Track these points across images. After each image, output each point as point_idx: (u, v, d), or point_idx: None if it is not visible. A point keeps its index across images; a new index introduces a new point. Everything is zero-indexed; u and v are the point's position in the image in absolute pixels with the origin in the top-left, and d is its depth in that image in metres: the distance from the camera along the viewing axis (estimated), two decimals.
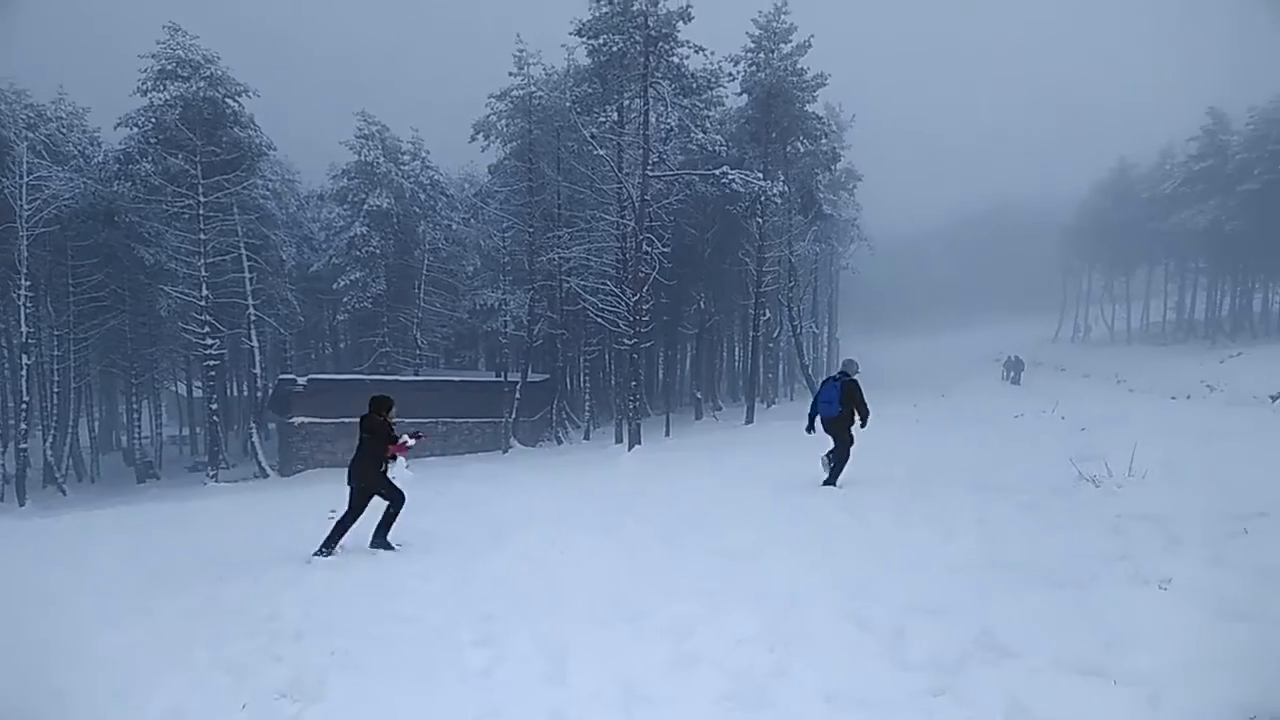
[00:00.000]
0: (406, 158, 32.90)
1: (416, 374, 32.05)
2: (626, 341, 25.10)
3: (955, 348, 63.32)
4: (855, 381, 9.90)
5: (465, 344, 41.13)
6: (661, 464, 16.13)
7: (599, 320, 26.87)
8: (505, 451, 29.06)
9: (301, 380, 27.94)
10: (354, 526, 7.92)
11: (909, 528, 7.21)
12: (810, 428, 10.14)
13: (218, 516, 14.32)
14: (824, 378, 10.78)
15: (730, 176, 25.39)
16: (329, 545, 7.71)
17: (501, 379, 31.29)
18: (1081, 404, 19.92)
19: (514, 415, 30.23)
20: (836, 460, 9.87)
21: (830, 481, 9.82)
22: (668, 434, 28.81)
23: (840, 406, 9.76)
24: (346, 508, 7.90)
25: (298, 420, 27.52)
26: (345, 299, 31.33)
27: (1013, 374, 34.25)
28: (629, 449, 22.60)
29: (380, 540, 7.92)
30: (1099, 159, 62.61)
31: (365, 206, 30.65)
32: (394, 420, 8.31)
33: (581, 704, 3.81)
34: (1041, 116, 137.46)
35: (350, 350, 39.64)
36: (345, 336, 40.82)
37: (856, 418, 9.81)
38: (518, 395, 30.46)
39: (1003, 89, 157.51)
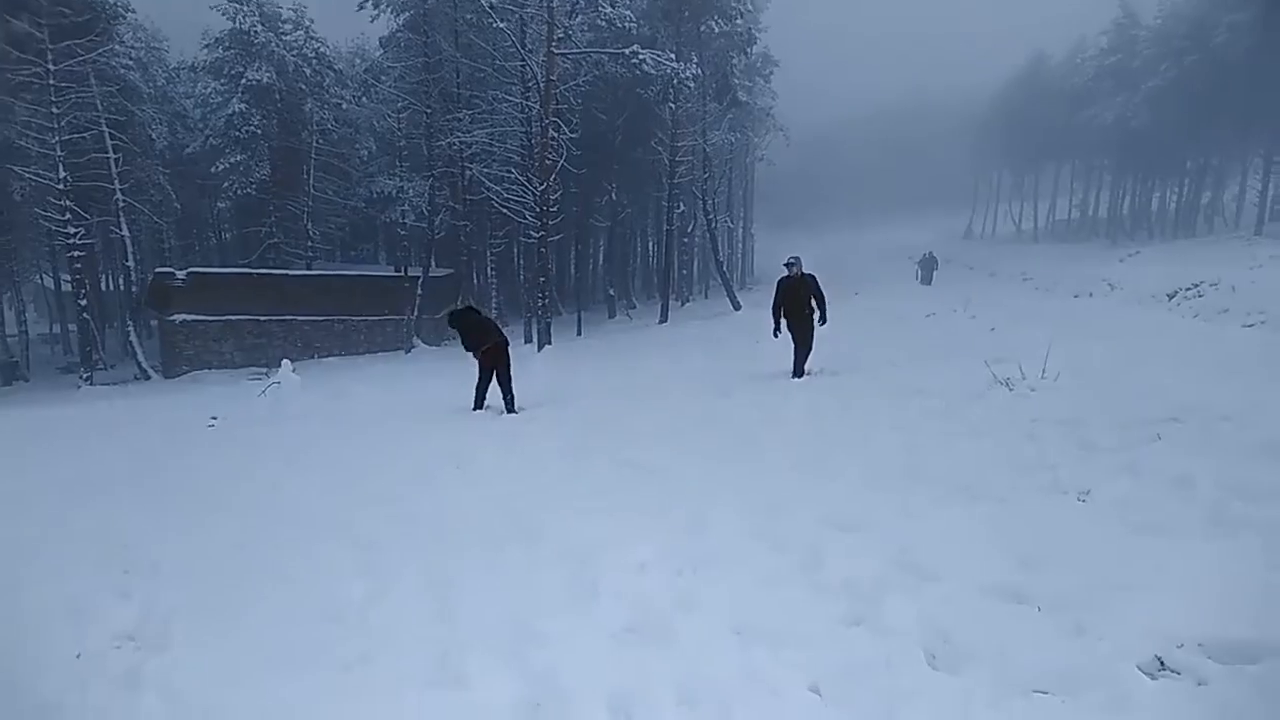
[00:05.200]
0: (288, 27, 29.81)
1: (309, 268, 30.06)
2: (534, 234, 23.77)
3: (870, 243, 63.43)
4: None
5: (362, 236, 38.90)
6: (573, 367, 15.58)
7: (504, 211, 25.38)
8: (408, 351, 27.85)
9: (180, 274, 25.82)
10: None
11: (824, 437, 6.91)
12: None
13: (83, 427, 12.98)
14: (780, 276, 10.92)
15: (641, 56, 23.75)
16: (478, 406, 9.73)
17: (402, 274, 29.66)
18: (990, 303, 20.06)
19: (416, 313, 28.83)
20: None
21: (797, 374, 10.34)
22: (579, 333, 28.11)
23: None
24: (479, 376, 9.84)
25: (179, 318, 25.55)
26: (226, 184, 28.90)
27: (924, 273, 33.63)
28: (539, 349, 21.64)
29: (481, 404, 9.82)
30: (1017, 50, 62.02)
31: (243, 81, 27.87)
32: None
33: (468, 645, 3.40)
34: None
35: (236, 241, 37.00)
36: (229, 226, 38.04)
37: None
38: (420, 291, 28.95)
39: None
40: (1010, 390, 7.55)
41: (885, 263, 46.61)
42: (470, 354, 9.80)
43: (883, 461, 5.78)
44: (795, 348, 10.38)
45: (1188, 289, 19.26)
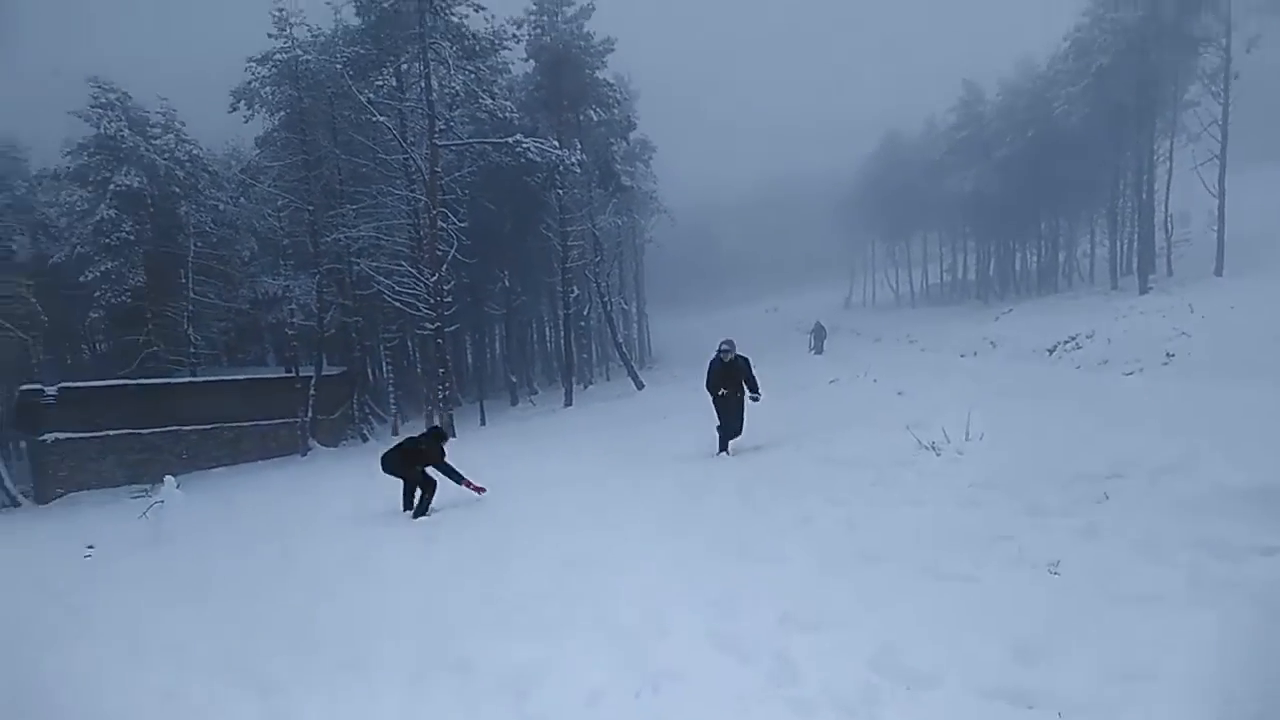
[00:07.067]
0: (157, 130, 29.06)
1: (193, 374, 28.74)
2: (429, 326, 23.60)
3: (756, 317, 65.32)
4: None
5: (249, 338, 37.50)
6: (481, 458, 14.62)
7: (396, 304, 25.10)
8: (304, 454, 26.76)
9: (51, 390, 24.20)
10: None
11: (759, 511, 6.61)
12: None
13: None
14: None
15: (525, 145, 24.38)
16: (417, 512, 9.30)
17: (293, 374, 28.68)
18: (886, 367, 20.37)
19: (310, 414, 27.82)
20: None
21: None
22: (483, 422, 27.76)
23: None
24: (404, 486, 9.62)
25: (50, 437, 23.83)
26: (97, 293, 27.47)
27: (816, 342, 34.28)
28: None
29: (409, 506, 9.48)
30: (876, 131, 66.21)
31: (111, 186, 26.85)
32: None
33: None
34: (827, 87, 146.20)
35: (112, 352, 34.91)
36: (103, 337, 36.04)
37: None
38: (313, 391, 28.02)
39: (788, 60, 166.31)
40: (938, 455, 7.37)
41: (775, 334, 47.86)
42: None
43: (828, 542, 5.43)
44: (723, 425, 10.43)
45: (1065, 342, 20.31)
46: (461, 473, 9.50)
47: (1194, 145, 32.80)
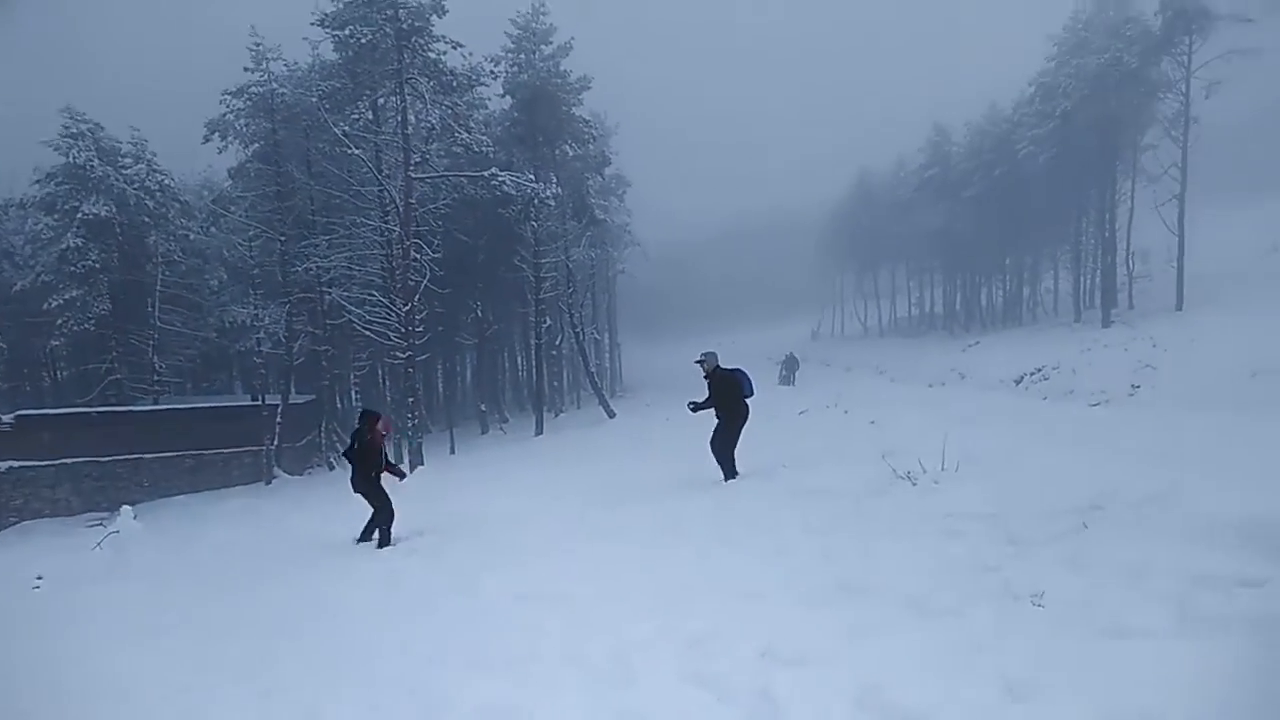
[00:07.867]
0: (128, 160, 28.85)
1: (156, 403, 28.29)
2: (400, 355, 23.54)
3: (728, 349, 65.12)
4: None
5: (215, 366, 37.14)
6: (451, 488, 14.52)
7: (367, 333, 25.00)
8: (269, 483, 26.34)
9: (7, 418, 23.70)
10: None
11: (734, 544, 6.36)
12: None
13: None
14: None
15: (502, 178, 24.58)
16: (380, 542, 8.98)
17: (259, 403, 28.33)
18: (857, 397, 20.23)
19: (276, 442, 27.45)
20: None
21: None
22: (453, 451, 27.60)
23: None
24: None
25: (4, 465, 23.29)
26: (60, 321, 27.05)
27: (786, 373, 34.31)
28: (410, 471, 20.98)
29: (367, 537, 9.22)
30: (851, 168, 67.93)
31: (79, 215, 26.57)
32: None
33: None
34: (800, 126, 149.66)
35: (74, 380, 34.38)
36: (65, 364, 35.45)
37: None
38: (279, 419, 27.68)
39: (765, 99, 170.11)
40: (914, 485, 7.23)
41: (745, 364, 47.91)
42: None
43: (807, 574, 5.25)
44: (722, 445, 9.66)
45: (1032, 374, 20.67)
46: (391, 460, 9.65)
47: (1154, 186, 33.78)
